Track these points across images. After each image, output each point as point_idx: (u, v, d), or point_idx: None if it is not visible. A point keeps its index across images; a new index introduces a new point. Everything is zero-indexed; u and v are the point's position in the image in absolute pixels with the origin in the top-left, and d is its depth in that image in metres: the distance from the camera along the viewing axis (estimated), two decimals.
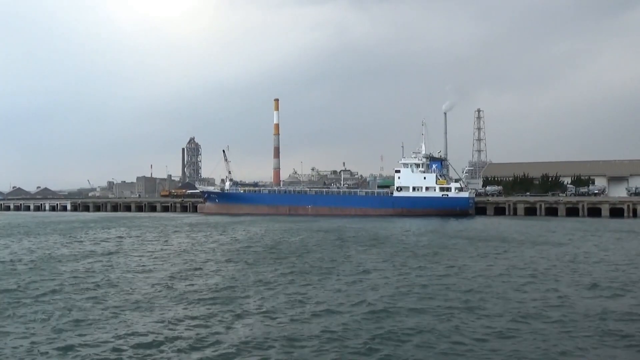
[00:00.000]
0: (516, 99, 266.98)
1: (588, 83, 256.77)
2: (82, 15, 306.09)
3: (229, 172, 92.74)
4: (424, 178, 77.75)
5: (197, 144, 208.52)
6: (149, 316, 15.06)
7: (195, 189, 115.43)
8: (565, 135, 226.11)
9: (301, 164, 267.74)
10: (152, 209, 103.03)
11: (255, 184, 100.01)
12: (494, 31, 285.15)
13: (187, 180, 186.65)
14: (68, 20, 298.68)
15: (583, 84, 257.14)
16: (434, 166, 79.44)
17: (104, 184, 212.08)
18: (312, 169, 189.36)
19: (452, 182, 79.27)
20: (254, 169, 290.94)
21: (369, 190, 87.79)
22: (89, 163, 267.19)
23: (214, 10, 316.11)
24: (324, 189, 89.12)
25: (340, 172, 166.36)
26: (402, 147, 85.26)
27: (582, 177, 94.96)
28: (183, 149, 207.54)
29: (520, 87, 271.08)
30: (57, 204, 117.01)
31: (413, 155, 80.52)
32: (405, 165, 79.30)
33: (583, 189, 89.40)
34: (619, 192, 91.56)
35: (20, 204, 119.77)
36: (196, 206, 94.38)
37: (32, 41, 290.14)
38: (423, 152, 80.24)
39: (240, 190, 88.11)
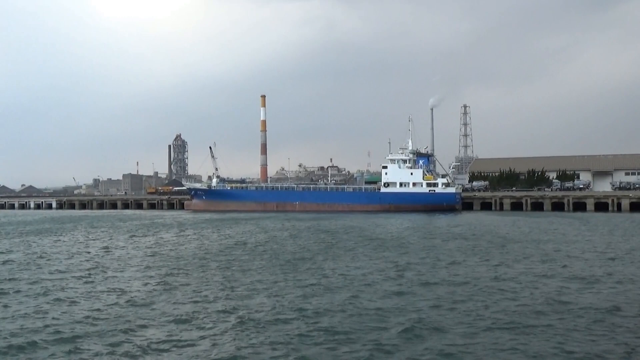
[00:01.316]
0: (503, 94, 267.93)
1: (574, 78, 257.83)
2: (68, 13, 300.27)
3: (216, 169, 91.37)
4: (411, 174, 77.01)
5: (183, 141, 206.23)
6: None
7: (182, 186, 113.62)
8: (551, 130, 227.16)
9: (288, 160, 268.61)
10: (139, 206, 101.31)
11: (243, 181, 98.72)
12: (481, 26, 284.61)
13: (174, 177, 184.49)
14: (54, 17, 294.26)
15: (569, 79, 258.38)
16: (420, 162, 78.77)
17: (90, 181, 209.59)
18: (300, 165, 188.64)
19: (439, 177, 78.59)
20: (242, 166, 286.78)
21: (357, 187, 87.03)
22: (74, 161, 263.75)
23: (203, 9, 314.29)
24: (312, 186, 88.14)
25: (327, 169, 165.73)
26: (389, 143, 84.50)
27: (568, 172, 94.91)
28: (169, 146, 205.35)
29: (507, 83, 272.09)
30: (42, 202, 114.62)
31: (400, 151, 79.76)
32: (393, 161, 78.52)
33: (568, 184, 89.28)
34: (603, 187, 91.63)
35: (5, 202, 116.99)
36: (183, 203, 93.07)
37: (18, 38, 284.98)
38: (410, 148, 79.52)
39: (227, 187, 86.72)
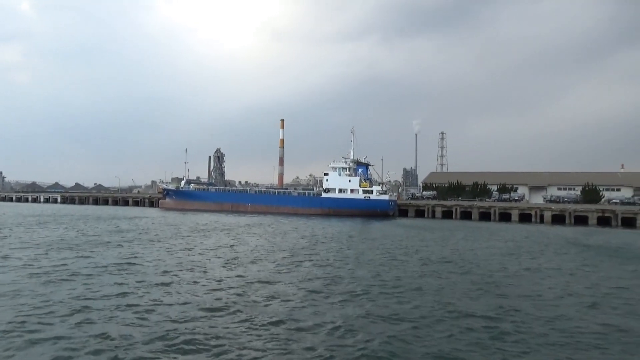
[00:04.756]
0: (497, 123, 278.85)
1: (555, 114, 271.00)
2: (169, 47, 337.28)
3: (187, 170, 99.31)
4: (349, 181, 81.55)
5: (222, 153, 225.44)
6: None
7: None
8: (524, 154, 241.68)
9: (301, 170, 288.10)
10: (125, 203, 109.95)
11: (211, 184, 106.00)
12: (486, 70, 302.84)
13: (212, 181, 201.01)
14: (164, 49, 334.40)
15: (551, 115, 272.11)
16: (359, 170, 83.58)
17: (149, 182, 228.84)
18: (310, 175, 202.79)
19: (375, 185, 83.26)
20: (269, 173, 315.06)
21: (301, 191, 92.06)
22: (150, 164, 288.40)
23: (266, 45, 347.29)
24: (263, 190, 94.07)
25: None
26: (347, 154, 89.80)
27: (507, 186, 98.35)
28: (209, 157, 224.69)
29: (501, 115, 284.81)
30: (49, 197, 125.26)
31: (342, 160, 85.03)
32: (334, 168, 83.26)
33: (505, 196, 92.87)
34: (538, 200, 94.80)
35: (21, 196, 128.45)
36: (159, 201, 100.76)
37: (116, 66, 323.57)
38: (351, 157, 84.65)
39: (192, 188, 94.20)
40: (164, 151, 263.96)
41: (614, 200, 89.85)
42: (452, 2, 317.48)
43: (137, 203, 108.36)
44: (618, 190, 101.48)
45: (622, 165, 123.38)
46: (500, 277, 21.71)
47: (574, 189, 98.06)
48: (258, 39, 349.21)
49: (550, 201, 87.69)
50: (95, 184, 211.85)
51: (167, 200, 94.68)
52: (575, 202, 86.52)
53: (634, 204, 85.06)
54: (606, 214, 67.73)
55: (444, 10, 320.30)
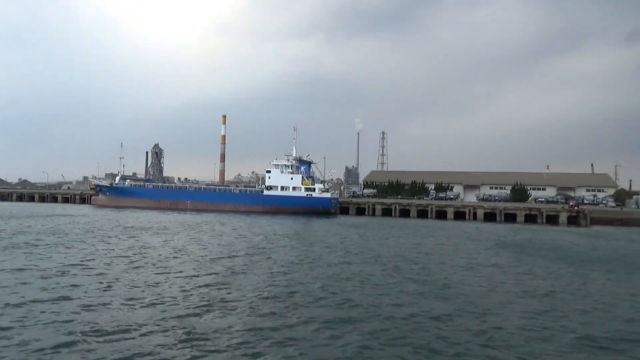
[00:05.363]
0: (433, 125, 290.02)
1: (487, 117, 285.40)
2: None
3: (123, 166, 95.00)
4: (291, 179, 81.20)
5: (160, 149, 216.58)
6: None
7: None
8: (458, 153, 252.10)
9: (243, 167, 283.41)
10: (54, 199, 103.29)
11: (148, 180, 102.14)
12: (426, 72, 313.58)
13: (150, 177, 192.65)
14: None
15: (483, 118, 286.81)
16: (302, 168, 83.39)
17: (81, 178, 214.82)
18: (252, 172, 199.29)
19: (317, 183, 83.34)
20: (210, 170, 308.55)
21: (243, 188, 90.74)
22: (77, 160, 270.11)
23: (210, 39, 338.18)
24: (203, 187, 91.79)
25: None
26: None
27: (444, 185, 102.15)
28: (147, 152, 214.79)
29: (440, 116, 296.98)
30: None
31: (285, 158, 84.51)
32: (277, 166, 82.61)
33: (442, 194, 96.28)
34: (471, 198, 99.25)
35: None
36: (92, 198, 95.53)
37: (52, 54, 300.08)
38: (294, 155, 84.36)
39: (128, 184, 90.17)
40: (98, 146, 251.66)
41: (539, 199, 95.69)
42: (396, 6, 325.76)
43: (67, 200, 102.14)
44: (543, 189, 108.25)
45: (548, 167, 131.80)
46: (441, 277, 22.13)
47: (505, 188, 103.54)
48: (202, 33, 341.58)
49: (483, 200, 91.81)
50: (20, 179, 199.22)
51: (101, 196, 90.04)
52: (506, 200, 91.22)
53: (557, 202, 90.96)
54: (533, 212, 71.87)
55: (388, 13, 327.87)
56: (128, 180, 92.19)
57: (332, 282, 19.28)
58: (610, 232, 54.98)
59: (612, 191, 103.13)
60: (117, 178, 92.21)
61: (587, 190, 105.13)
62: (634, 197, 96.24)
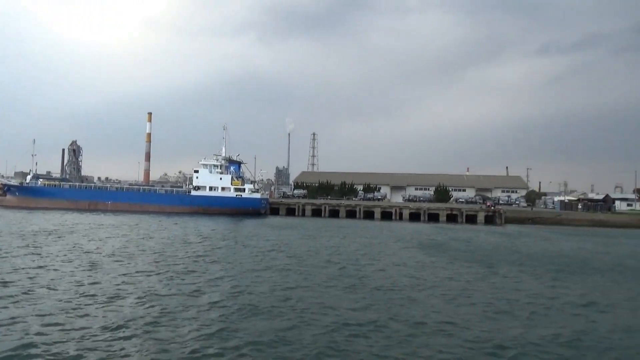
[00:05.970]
0: (363, 127, 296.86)
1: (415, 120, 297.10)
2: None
3: (36, 164, 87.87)
4: (220, 179, 79.18)
5: (78, 146, 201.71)
6: None
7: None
8: (386, 154, 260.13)
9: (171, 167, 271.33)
10: None
11: (64, 179, 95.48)
12: (359, 75, 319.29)
13: (66, 176, 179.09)
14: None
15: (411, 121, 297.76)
16: (231, 168, 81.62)
17: None
18: (180, 172, 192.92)
19: (247, 183, 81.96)
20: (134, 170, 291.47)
21: (168, 189, 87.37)
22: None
23: (137, 34, 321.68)
24: (125, 186, 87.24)
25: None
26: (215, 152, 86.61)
27: (371, 186, 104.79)
28: (63, 150, 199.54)
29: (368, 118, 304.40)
30: None
31: (214, 157, 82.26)
32: (205, 165, 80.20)
33: (370, 195, 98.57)
34: (397, 199, 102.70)
35: None
36: None
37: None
38: (223, 155, 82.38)
39: (41, 184, 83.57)
40: (6, 142, 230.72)
41: (460, 200, 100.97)
42: (330, 9, 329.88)
43: None
44: (464, 190, 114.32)
45: (468, 169, 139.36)
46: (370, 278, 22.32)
47: (429, 189, 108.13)
48: (129, 27, 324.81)
49: (409, 200, 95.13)
50: None
51: (9, 197, 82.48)
52: (429, 201, 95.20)
53: (475, 202, 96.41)
54: (454, 212, 75.53)
55: (320, 15, 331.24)
56: (41, 180, 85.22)
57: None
58: (524, 230, 59.05)
59: (524, 192, 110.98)
60: (29, 177, 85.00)
61: (503, 192, 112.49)
62: (543, 197, 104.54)
